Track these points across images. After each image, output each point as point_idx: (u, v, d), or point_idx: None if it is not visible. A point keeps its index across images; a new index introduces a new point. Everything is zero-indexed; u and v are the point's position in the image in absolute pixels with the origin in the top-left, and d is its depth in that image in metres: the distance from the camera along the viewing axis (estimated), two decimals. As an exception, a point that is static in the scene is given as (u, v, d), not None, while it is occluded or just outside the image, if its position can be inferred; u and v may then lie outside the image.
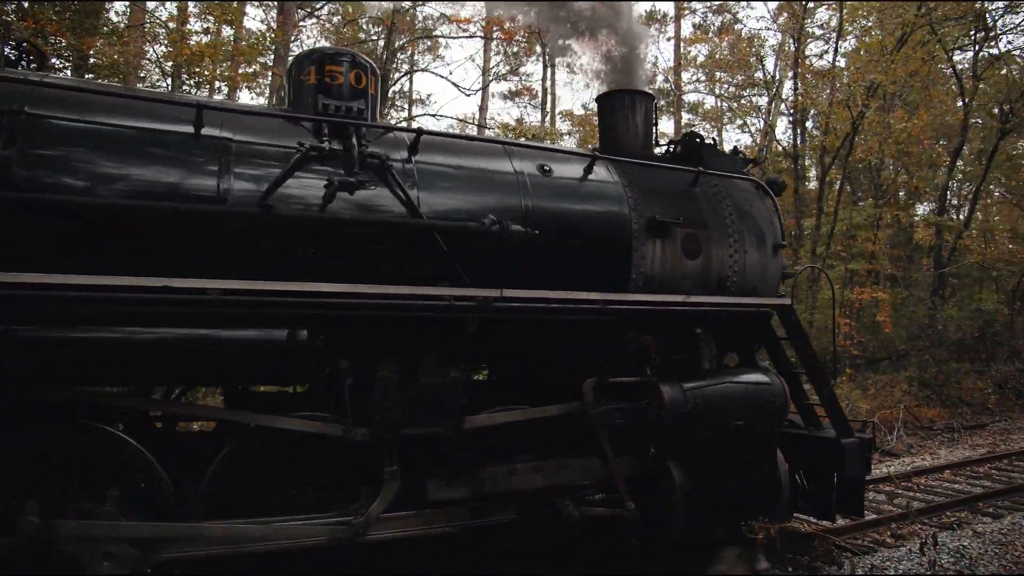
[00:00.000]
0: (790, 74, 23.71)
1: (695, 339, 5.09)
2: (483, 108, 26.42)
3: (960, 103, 22.85)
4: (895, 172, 25.24)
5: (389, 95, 23.47)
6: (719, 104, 28.16)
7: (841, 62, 22.68)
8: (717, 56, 26.09)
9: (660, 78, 28.30)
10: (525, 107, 28.09)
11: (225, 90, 17.42)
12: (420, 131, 4.53)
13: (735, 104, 27.55)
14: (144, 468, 3.86)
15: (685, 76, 27.97)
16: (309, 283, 3.85)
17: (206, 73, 15.62)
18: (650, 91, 6.29)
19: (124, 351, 3.49)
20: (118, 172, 3.80)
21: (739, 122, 27.86)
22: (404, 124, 19.27)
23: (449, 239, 4.33)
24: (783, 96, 25.25)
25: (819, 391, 5.65)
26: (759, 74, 25.87)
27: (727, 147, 6.50)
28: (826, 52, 24.64)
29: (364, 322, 4.03)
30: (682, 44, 27.43)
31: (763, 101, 26.43)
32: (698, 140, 6.04)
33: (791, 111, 24.40)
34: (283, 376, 4.14)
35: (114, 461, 3.80)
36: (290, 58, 20.51)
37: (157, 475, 3.90)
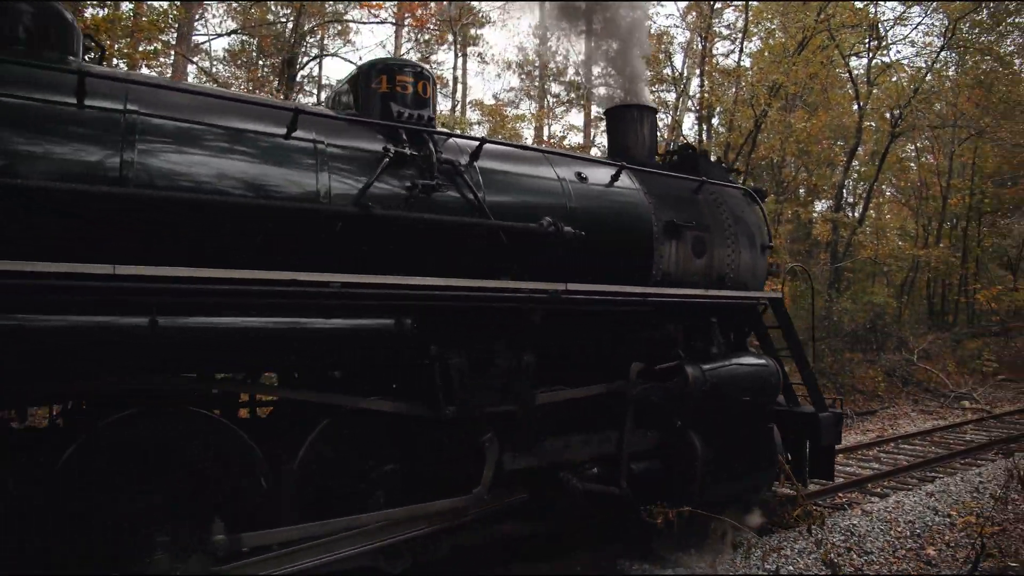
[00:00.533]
0: (697, 72, 24.98)
1: (709, 327, 6.04)
2: (393, 95, 26.60)
3: (855, 106, 24.97)
4: (796, 170, 27.28)
5: (297, 79, 23.47)
6: (628, 98, 29.40)
7: (746, 62, 24.13)
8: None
9: (571, 71, 29.40)
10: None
11: (124, 67, 17.13)
12: (483, 140, 5.25)
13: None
14: (244, 453, 4.39)
15: (596, 70, 29.09)
16: (413, 277, 4.51)
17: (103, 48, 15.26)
18: (655, 105, 7.19)
19: (267, 339, 4.06)
20: (228, 171, 4.29)
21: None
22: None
23: (512, 238, 5.08)
24: (690, 93, 26.53)
25: (802, 372, 6.77)
26: (667, 71, 27.12)
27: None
28: (732, 52, 26.11)
29: (452, 311, 4.73)
30: (593, 38, 28.35)
31: (671, 97, 27.75)
32: (691, 151, 7.00)
33: (697, 108, 25.72)
34: (374, 360, 4.76)
35: (218, 447, 4.32)
36: (194, 37, 20.26)
37: (257, 458, 4.43)
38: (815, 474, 7.00)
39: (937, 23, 24.87)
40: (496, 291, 4.81)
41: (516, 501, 5.39)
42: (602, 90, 28.50)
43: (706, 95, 24.27)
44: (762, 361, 6.26)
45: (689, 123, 30.26)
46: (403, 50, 26.91)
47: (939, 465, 10.50)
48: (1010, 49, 24.92)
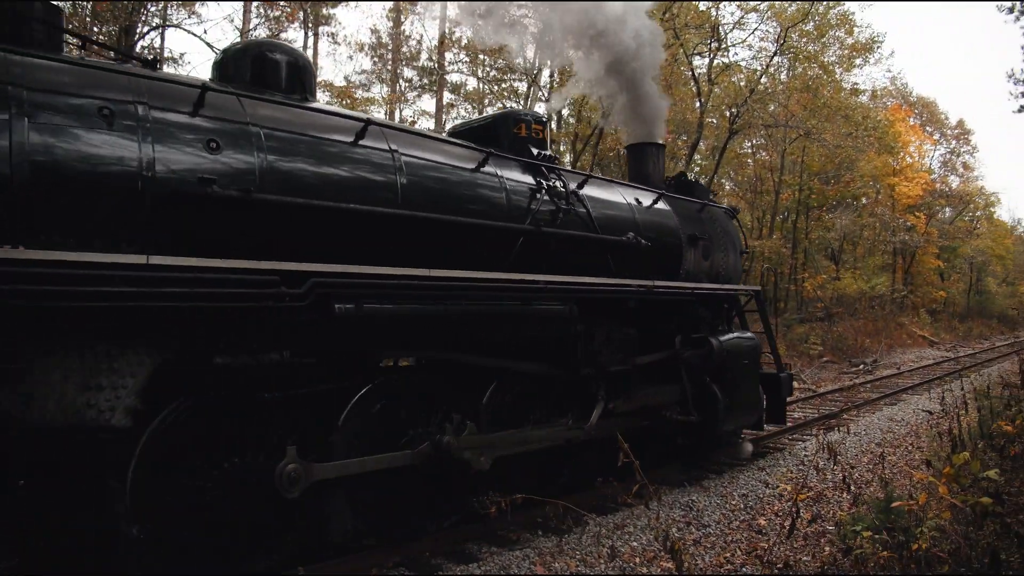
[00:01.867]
0: (548, 63, 27.97)
1: (720, 311, 9.34)
2: (241, 73, 27.67)
3: (697, 103, 29.24)
4: (641, 162, 31.27)
5: (137, 50, 24.26)
6: (481, 86, 32.22)
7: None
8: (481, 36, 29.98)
9: (424, 56, 31.79)
10: (285, 75, 29.89)
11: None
12: (590, 176, 8.20)
13: (496, 87, 31.56)
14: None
15: (449, 56, 31.56)
16: (579, 276, 7.37)
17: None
18: (663, 143, 10.35)
19: (508, 318, 6.77)
20: (454, 198, 6.83)
21: (499, 105, 31.98)
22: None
23: (611, 247, 8.06)
24: (541, 83, 29.58)
25: (770, 343, 10.26)
26: (520, 60, 29.97)
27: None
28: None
29: (592, 300, 7.63)
30: (447, 24, 30.69)
31: (523, 87, 30.69)
32: (684, 178, 10.27)
33: (548, 98, 28.91)
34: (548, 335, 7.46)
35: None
36: None
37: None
38: (770, 420, 10.52)
39: (771, 30, 29.43)
40: (623, 286, 7.82)
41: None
42: (455, 76, 30.66)
43: (556, 85, 27.49)
44: (750, 335, 9.71)
45: (540, 112, 33.51)
46: (251, 25, 27.97)
47: (770, 441, 12.04)
48: (832, 59, 30.22)
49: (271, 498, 5.64)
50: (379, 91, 32.09)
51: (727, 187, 35.10)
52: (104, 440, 5.02)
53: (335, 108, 6.78)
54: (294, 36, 33.37)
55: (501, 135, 8.16)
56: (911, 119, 47.15)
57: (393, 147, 6.56)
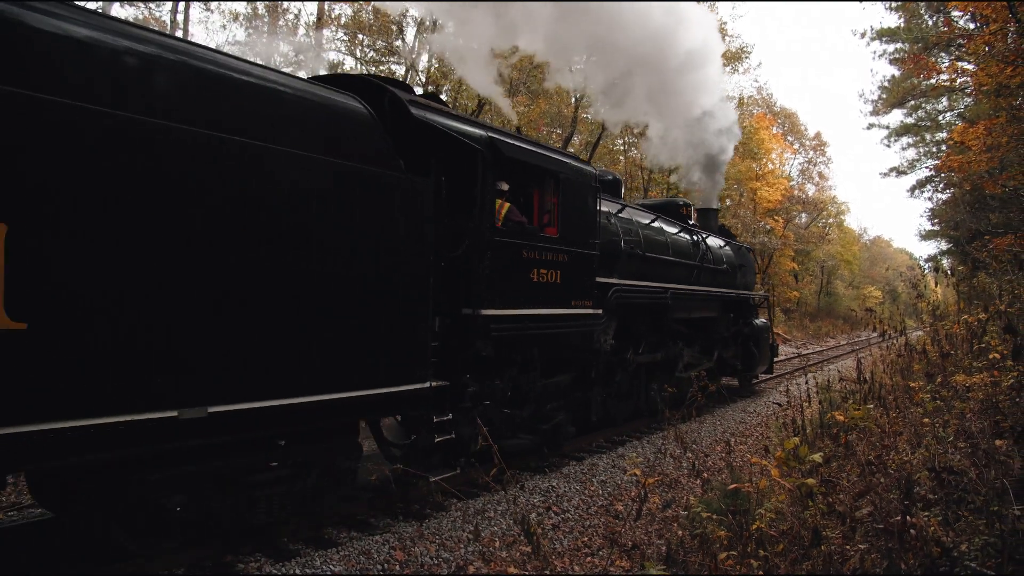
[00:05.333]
0: (427, 47, 31.51)
1: (751, 306, 21.39)
2: (108, 35, 29.80)
3: (573, 99, 33.91)
4: (515, 152, 35.29)
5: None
6: (359, 66, 34.89)
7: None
8: (361, 17, 32.51)
9: (302, 31, 34.95)
10: (154, 39, 32.02)
11: None
12: (710, 233, 20.01)
13: (374, 68, 33.95)
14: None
15: (327, 33, 34.21)
16: (723, 288, 18.98)
17: None
18: (719, 208, 22.85)
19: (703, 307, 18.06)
20: (680, 249, 17.15)
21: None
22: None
23: (718, 273, 19.48)
24: (419, 68, 33.21)
25: (770, 324, 22.95)
26: (399, 43, 33.30)
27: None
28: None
29: (722, 302, 19.21)
30: (327, 2, 33.27)
31: (401, 70, 34.10)
32: (724, 228, 22.34)
33: (425, 83, 32.31)
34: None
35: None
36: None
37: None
38: (767, 372, 22.74)
39: (649, 30, 34.45)
40: (730, 293, 19.48)
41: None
42: (332, 55, 34.17)
43: (433, 71, 31.68)
44: (763, 320, 22.02)
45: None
46: (116, -13, 29.92)
47: (630, 429, 15.08)
48: (701, 65, 36.06)
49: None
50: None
51: (599, 182, 40.12)
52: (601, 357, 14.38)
53: (637, 209, 16.76)
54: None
55: (670, 210, 18.99)
56: (774, 128, 58.39)
57: (661, 225, 17.16)
